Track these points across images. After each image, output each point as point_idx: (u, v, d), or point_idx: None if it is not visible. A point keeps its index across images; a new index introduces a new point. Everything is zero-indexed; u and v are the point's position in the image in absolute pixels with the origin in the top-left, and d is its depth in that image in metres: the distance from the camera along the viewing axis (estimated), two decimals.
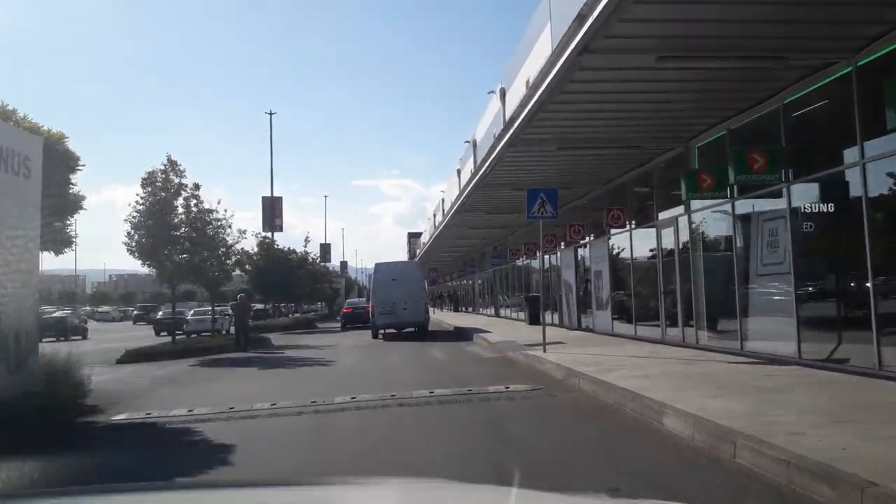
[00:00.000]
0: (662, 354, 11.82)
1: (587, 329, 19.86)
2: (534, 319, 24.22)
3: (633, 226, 16.38)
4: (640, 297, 16.41)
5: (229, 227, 23.97)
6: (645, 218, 16.02)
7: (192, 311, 35.76)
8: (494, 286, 37.15)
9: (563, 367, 10.53)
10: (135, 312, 69.13)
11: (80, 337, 38.17)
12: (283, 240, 67.84)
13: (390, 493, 2.32)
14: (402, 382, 10.92)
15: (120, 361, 18.56)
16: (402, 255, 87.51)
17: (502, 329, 22.85)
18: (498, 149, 13.75)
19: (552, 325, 23.90)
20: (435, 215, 57.85)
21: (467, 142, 42.28)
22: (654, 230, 15.29)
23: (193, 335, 31.31)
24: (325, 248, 65.37)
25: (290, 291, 37.89)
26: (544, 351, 13.05)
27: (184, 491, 2.86)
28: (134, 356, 19.04)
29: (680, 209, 13.95)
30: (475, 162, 37.21)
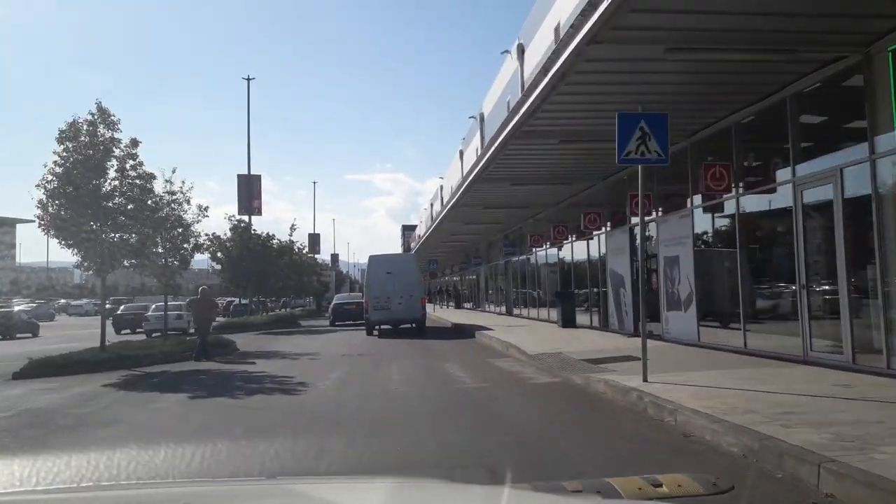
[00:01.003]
0: (879, 394, 6.77)
1: (650, 335, 14.83)
2: (568, 321, 19.27)
3: (740, 190, 11.38)
4: (753, 294, 11.42)
5: (187, 202, 19.19)
6: (758, 178, 11.06)
7: (153, 307, 30.67)
8: (507, 280, 32.11)
9: (731, 425, 5.47)
10: (107, 306, 64.03)
11: (29, 335, 33.59)
12: (271, 232, 61.54)
13: (383, 491, 2.24)
14: (417, 444, 5.90)
15: (18, 376, 13.59)
16: (396, 249, 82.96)
17: (528, 333, 17.85)
18: (572, 47, 8.50)
19: (589, 327, 18.98)
20: (432, 205, 53.35)
21: (472, 117, 37.32)
22: (781, 194, 10.35)
23: (156, 334, 26.61)
24: (314, 239, 60.19)
25: (271, 284, 32.74)
26: (645, 380, 8.02)
27: (178, 487, 2.88)
28: (40, 368, 14.02)
29: (841, 156, 9.00)
30: (482, 139, 32.22)
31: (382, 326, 22.27)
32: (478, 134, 34.02)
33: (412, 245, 61.55)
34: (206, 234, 24.59)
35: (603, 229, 17.81)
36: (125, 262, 16.37)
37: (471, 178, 17.79)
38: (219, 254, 30.19)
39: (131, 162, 16.08)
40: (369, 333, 21.90)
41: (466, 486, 2.56)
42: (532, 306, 26.65)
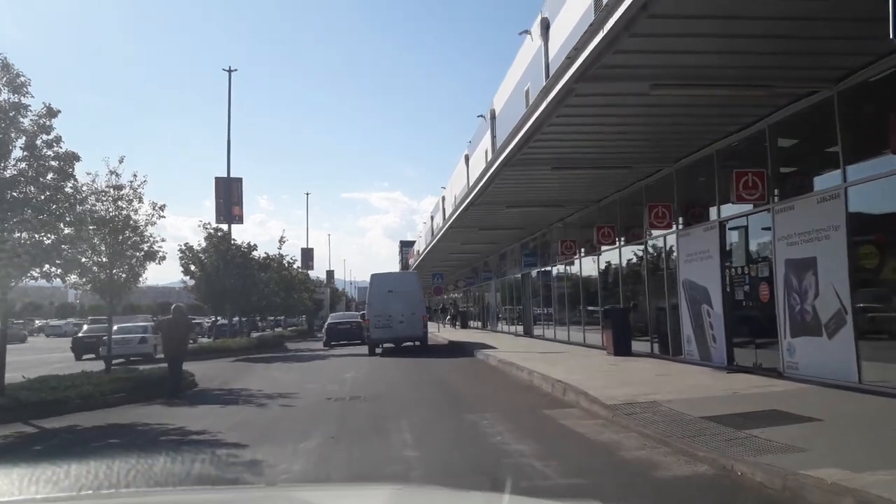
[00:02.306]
0: None
1: (759, 370, 10.58)
2: (622, 347, 14.99)
3: None
4: None
5: (139, 199, 15.23)
6: None
7: (115, 328, 26.29)
8: (525, 296, 27.84)
9: None
10: (85, 326, 59.76)
11: None
12: (265, 249, 55.11)
13: (383, 497, 2.22)
14: None
15: None
16: (393, 267, 79.04)
17: (577, 366, 13.59)
18: None
19: (650, 355, 14.71)
20: (433, 218, 49.38)
21: (481, 116, 33.05)
22: None
23: (120, 360, 22.53)
24: (307, 254, 55.93)
25: (253, 302, 28.43)
26: None
27: (179, 494, 2.87)
28: None
29: None
30: (493, 137, 27.86)
31: (385, 345, 22.38)
32: (487, 134, 30.09)
33: (410, 261, 57.79)
34: (164, 240, 20.29)
35: (673, 228, 13.59)
36: (34, 272, 12.04)
37: (501, 159, 13.53)
38: (192, 266, 25.95)
39: (45, 136, 11.89)
40: (371, 353, 21.59)
41: (467, 493, 2.48)
42: (559, 325, 22.38)
